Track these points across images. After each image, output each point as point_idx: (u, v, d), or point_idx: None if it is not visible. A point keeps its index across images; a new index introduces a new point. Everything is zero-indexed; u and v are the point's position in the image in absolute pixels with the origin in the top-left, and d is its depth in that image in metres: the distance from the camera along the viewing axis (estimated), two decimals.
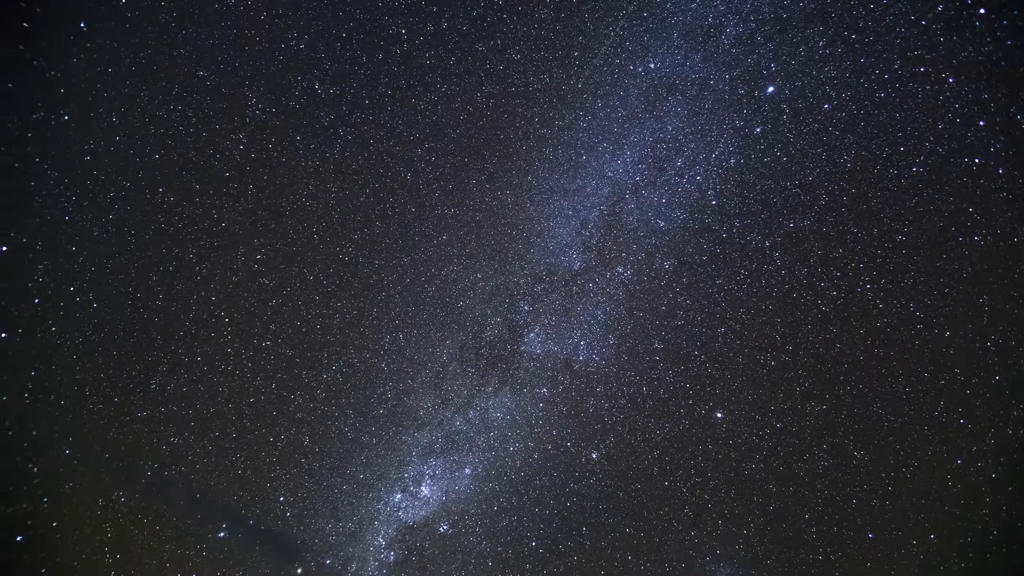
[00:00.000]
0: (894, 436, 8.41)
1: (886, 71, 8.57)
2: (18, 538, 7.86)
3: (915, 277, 8.49)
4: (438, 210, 8.57)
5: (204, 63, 8.39)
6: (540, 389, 8.56)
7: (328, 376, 8.47)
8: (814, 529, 8.38)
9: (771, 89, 8.66)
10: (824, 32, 8.59)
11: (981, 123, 8.49)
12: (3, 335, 7.96)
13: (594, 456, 8.47)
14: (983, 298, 8.43)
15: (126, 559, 8.04)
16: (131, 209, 8.28)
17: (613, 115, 8.62)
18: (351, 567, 8.33)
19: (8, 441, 7.96)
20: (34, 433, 8.00)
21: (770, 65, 8.62)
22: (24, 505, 7.89)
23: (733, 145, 8.64)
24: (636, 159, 8.63)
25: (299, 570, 8.25)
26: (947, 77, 8.51)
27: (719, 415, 8.55)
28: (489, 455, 8.50)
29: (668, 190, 8.62)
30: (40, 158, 8.15)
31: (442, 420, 8.53)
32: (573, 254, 8.65)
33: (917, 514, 8.34)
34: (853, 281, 8.56)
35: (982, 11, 8.41)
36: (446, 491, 8.46)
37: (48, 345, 8.10)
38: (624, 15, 8.66)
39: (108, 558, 8.00)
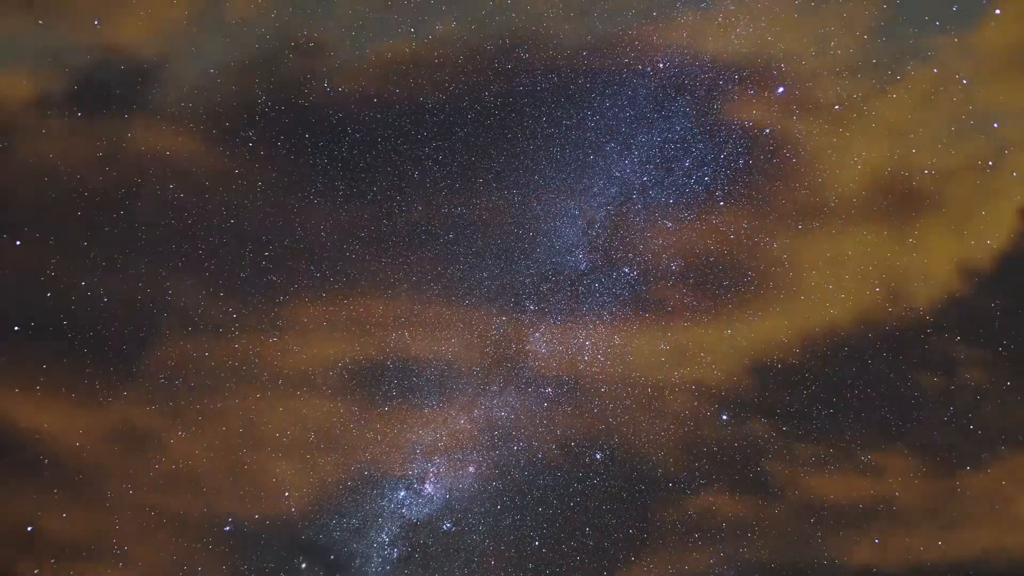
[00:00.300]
0: (902, 441, 8.34)
1: (898, 72, 8.50)
2: (28, 528, 8.01)
3: (926, 281, 8.42)
4: (445, 209, 8.60)
5: (215, 61, 8.52)
6: (545, 389, 8.56)
7: (334, 373, 8.53)
8: (820, 533, 8.33)
9: (781, 90, 8.61)
10: (836, 32, 8.54)
11: (995, 125, 8.43)
12: (16, 328, 8.12)
13: (598, 456, 8.47)
14: (996, 302, 8.35)
15: (133, 551, 8.15)
16: (142, 205, 8.41)
17: (621, 115, 8.61)
18: (355, 563, 8.38)
19: (20, 432, 8.12)
20: (45, 425, 8.15)
21: (780, 65, 8.59)
22: (34, 496, 8.04)
23: (742, 146, 8.61)
24: (644, 159, 8.62)
25: (303, 565, 8.30)
26: (961, 78, 8.44)
27: (724, 417, 8.52)
28: (493, 454, 8.52)
29: (676, 191, 8.60)
30: (53, 154, 8.31)
31: (446, 418, 8.56)
32: (579, 254, 8.66)
33: (925, 520, 8.26)
34: (863, 284, 8.50)
35: (998, 11, 8.35)
36: (450, 489, 8.48)
37: (60, 338, 8.23)
38: (633, 14, 8.66)
39: (116, 549, 8.12)
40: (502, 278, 8.60)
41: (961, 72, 8.40)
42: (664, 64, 8.58)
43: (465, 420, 8.57)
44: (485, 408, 8.57)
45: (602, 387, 8.52)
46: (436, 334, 8.61)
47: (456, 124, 8.61)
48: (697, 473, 8.43)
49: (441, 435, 8.56)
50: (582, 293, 8.60)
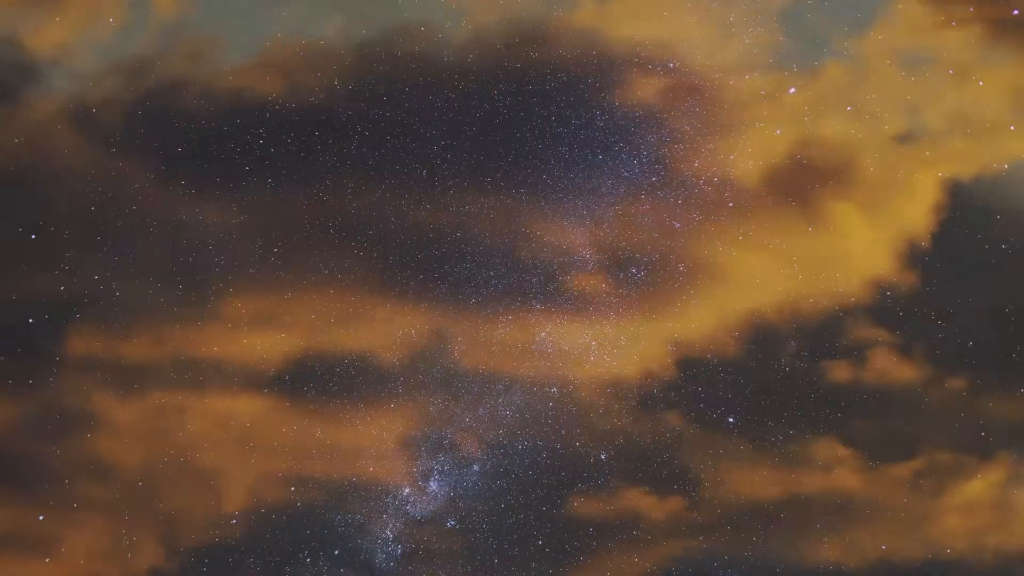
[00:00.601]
0: (909, 443, 8.28)
1: (912, 73, 8.44)
2: (39, 517, 8.16)
3: (936, 284, 8.35)
4: (452, 207, 8.62)
5: (225, 59, 8.66)
6: (551, 388, 8.56)
7: (340, 369, 8.57)
8: (826, 538, 8.28)
9: (792, 90, 8.57)
10: (848, 33, 8.49)
11: (1012, 128, 8.37)
12: (30, 320, 8.26)
13: (603, 457, 8.46)
14: (1008, 307, 8.27)
15: (141, 543, 8.27)
16: (153, 201, 8.51)
17: (631, 114, 8.59)
18: (358, 558, 8.44)
19: (33, 423, 8.26)
20: (57, 417, 8.29)
21: (791, 66, 8.54)
22: (45, 485, 8.18)
23: (752, 146, 8.56)
24: (653, 159, 8.58)
25: (308, 560, 8.37)
26: (977, 80, 8.39)
27: (731, 420, 8.48)
28: (498, 452, 8.52)
29: (684, 191, 8.55)
30: (67, 150, 8.44)
31: (452, 416, 8.58)
32: (587, 254, 8.64)
33: (931, 524, 8.21)
34: (872, 286, 8.43)
35: (1016, 12, 8.26)
36: (454, 487, 8.51)
37: (73, 331, 8.37)
38: (643, 15, 8.63)
39: (124, 540, 8.23)
40: (509, 277, 8.60)
41: (869, 62, 8.48)
42: (569, 55, 8.56)
43: (470, 418, 8.60)
44: (490, 407, 8.59)
45: (608, 388, 8.53)
46: (443, 332, 8.65)
47: (465, 123, 8.61)
48: (703, 476, 8.43)
49: (446, 433, 8.60)
50: (589, 293, 8.61)
